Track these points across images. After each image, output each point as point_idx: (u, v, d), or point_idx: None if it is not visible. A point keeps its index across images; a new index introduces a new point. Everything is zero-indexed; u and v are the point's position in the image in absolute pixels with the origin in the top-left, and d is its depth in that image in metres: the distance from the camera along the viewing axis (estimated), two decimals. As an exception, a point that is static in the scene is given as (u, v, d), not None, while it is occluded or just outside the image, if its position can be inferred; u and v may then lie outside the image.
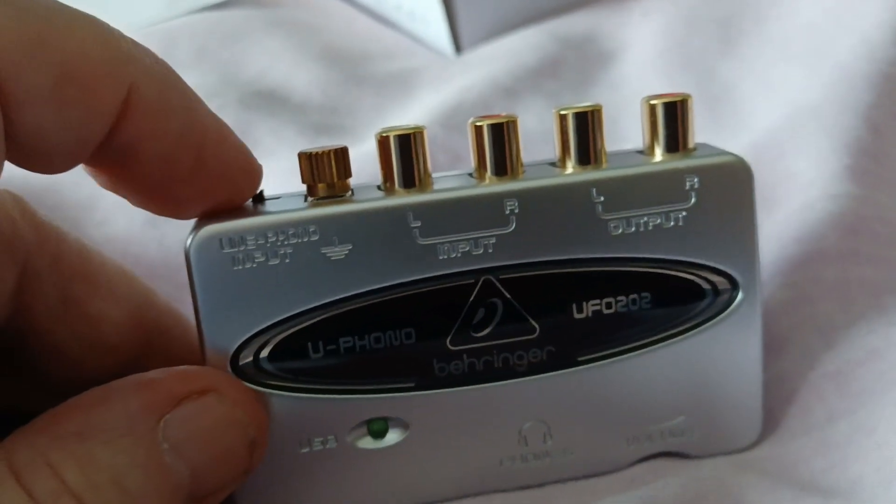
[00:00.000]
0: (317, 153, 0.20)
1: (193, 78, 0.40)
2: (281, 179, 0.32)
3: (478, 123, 0.20)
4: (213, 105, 0.39)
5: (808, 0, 0.38)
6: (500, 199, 0.20)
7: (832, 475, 0.21)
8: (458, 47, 0.44)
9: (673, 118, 0.21)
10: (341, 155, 0.20)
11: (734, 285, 0.21)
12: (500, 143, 0.20)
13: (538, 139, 0.35)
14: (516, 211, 0.20)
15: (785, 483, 0.20)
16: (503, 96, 0.38)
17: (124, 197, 0.20)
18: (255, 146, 0.35)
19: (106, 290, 0.22)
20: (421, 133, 0.20)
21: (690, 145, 0.21)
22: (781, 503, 0.20)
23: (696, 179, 0.20)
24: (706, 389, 0.22)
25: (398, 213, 0.20)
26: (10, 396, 0.23)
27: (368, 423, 0.21)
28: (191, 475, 0.18)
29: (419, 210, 0.20)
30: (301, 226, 0.19)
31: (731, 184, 0.21)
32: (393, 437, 0.21)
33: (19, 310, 0.20)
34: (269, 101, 0.39)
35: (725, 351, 0.22)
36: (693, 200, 0.21)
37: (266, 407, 0.20)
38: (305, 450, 0.21)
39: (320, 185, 0.20)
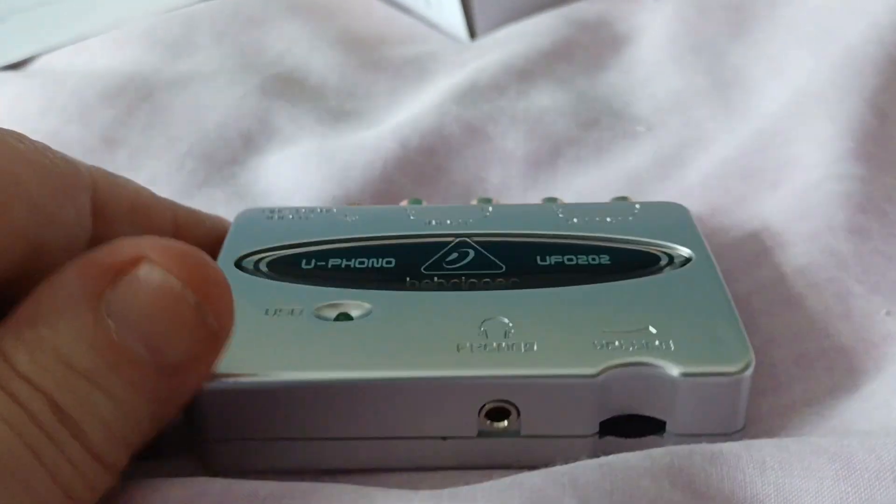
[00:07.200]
0: None
1: (215, 61, 0.41)
2: (300, 162, 0.33)
3: None
4: (236, 91, 0.40)
5: (818, -16, 0.38)
6: (479, 206, 0.27)
7: (827, 429, 0.21)
8: (472, 33, 0.44)
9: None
10: None
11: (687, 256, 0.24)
12: None
13: (550, 117, 0.36)
14: (490, 210, 0.27)
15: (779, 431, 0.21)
16: (517, 77, 0.38)
17: None
18: (277, 133, 0.36)
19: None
20: None
21: None
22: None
23: (637, 206, 0.27)
24: (674, 310, 0.22)
25: (398, 208, 0.27)
26: None
27: (337, 310, 0.22)
28: (147, 348, 0.18)
29: (415, 208, 0.27)
30: (326, 208, 0.27)
31: (669, 208, 0.27)
32: (356, 313, 0.22)
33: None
34: (288, 85, 0.39)
35: (688, 289, 0.23)
36: (638, 209, 0.26)
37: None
38: (273, 314, 0.22)
39: None
